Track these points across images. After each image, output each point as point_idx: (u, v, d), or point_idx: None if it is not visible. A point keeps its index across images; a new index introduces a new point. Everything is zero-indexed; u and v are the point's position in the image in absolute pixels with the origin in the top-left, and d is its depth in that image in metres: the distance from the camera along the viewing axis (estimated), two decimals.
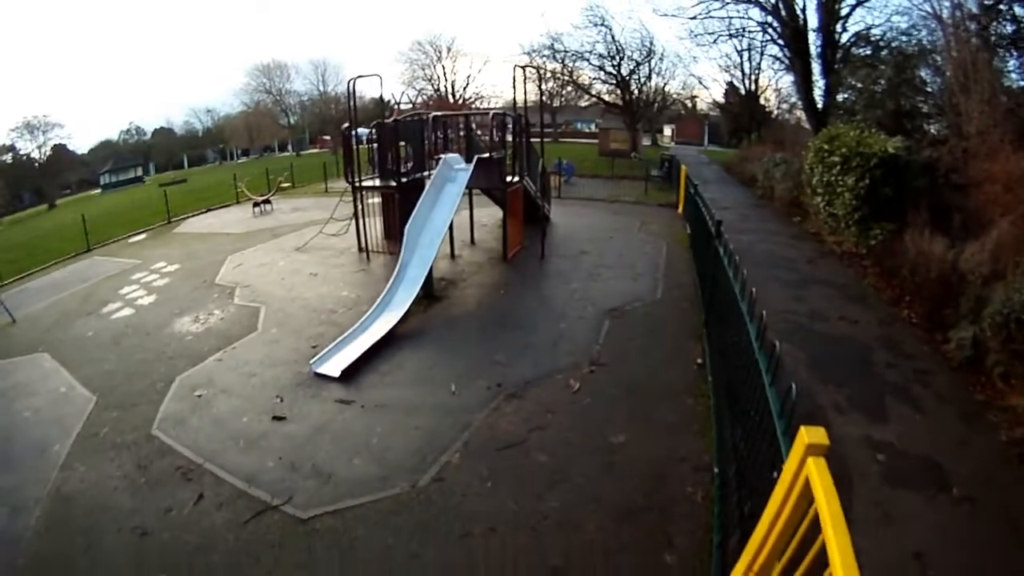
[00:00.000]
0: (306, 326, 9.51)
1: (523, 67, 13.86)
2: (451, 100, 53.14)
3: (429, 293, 10.35)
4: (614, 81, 40.66)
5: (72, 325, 10.61)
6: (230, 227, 19.01)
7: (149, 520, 5.18)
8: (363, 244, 13.81)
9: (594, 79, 42.40)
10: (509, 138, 13.49)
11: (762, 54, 34.44)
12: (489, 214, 16.14)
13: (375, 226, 13.95)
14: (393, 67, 61.58)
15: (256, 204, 21.64)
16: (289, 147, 65.98)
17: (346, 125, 13.80)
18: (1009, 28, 14.11)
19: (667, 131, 59.37)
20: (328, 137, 57.56)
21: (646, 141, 47.44)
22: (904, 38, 19.68)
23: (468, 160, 11.93)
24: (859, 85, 20.59)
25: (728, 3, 26.31)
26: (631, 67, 39.99)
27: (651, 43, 39.46)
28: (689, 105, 52.39)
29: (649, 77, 41.17)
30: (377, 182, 13.65)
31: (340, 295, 10.96)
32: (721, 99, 45.08)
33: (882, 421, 6.18)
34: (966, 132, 12.81)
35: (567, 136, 56.60)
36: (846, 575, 1.85)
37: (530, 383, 7.27)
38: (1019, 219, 9.00)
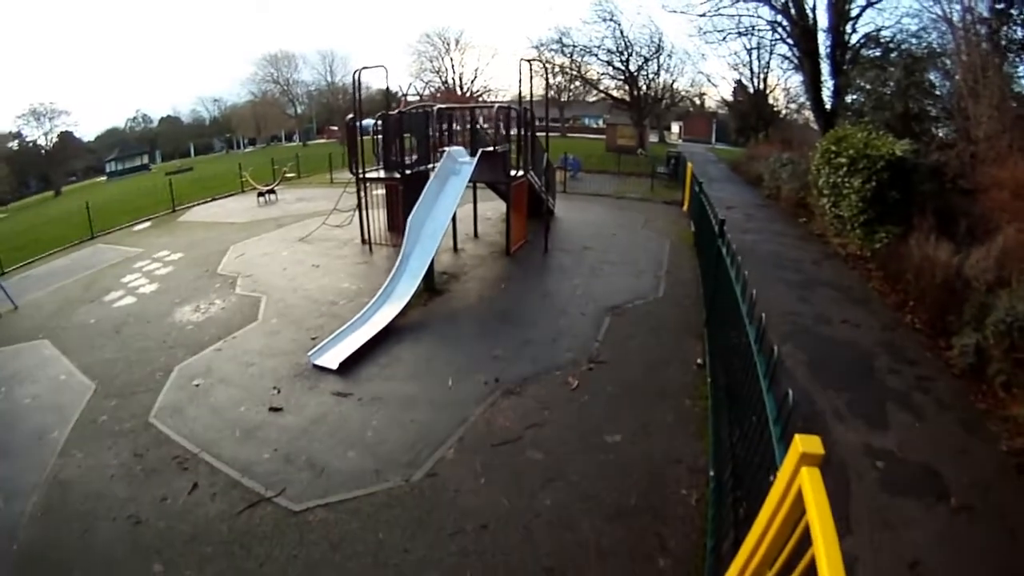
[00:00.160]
0: (306, 317, 9.50)
1: (529, 61, 13.78)
2: (459, 92, 53.05)
3: (430, 286, 10.33)
4: (622, 77, 40.36)
5: (74, 313, 10.63)
6: (234, 216, 19.00)
7: (144, 509, 5.20)
8: (366, 236, 13.78)
9: (602, 74, 42.12)
10: (514, 132, 13.42)
11: (771, 53, 34.16)
12: (493, 207, 16.11)
13: (378, 218, 13.92)
14: (401, 59, 61.59)
15: (261, 194, 21.64)
16: (296, 137, 65.92)
17: (350, 116, 13.76)
18: (1020, 33, 13.92)
19: (675, 128, 59.13)
20: (335, 127, 57.53)
21: (653, 138, 47.25)
22: (914, 40, 19.49)
23: (473, 153, 11.89)
24: (868, 87, 20.41)
25: (738, 1, 26.07)
26: (639, 63, 39.69)
27: (660, 39, 39.09)
28: (697, 102, 52.09)
29: (657, 73, 40.87)
30: (381, 174, 13.61)
31: (341, 286, 10.95)
32: (729, 97, 44.87)
33: (882, 428, 6.13)
34: (974, 137, 12.71)
35: (575, 131, 56.47)
36: None
37: (528, 379, 7.25)
38: None
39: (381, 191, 14.69)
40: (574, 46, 40.17)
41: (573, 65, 42.29)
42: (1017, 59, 14.22)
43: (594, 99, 47.95)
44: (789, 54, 26.98)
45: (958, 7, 14.78)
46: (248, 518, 5.00)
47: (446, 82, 55.70)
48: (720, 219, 7.59)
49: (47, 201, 45.98)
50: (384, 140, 13.47)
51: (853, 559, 4.27)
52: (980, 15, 14.20)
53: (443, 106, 14.76)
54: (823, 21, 22.59)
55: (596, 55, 39.99)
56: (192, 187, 25.55)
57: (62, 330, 9.77)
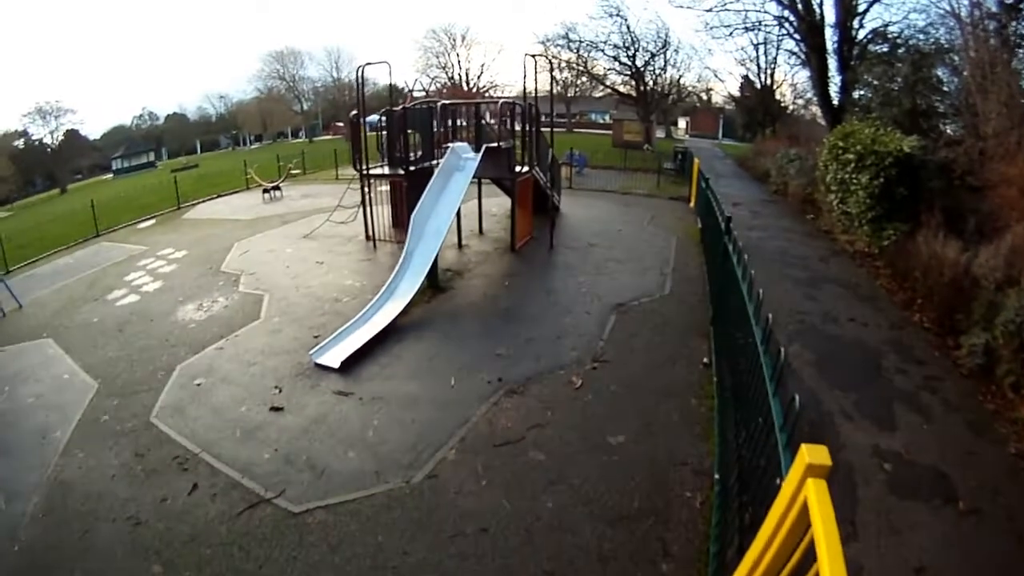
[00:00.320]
0: (309, 315, 9.47)
1: (534, 56, 13.68)
2: (465, 88, 52.91)
3: (434, 283, 10.28)
4: (629, 72, 40.26)
5: (77, 311, 10.65)
6: (239, 213, 18.99)
7: (144, 509, 5.19)
8: (370, 232, 13.74)
9: (609, 70, 42.05)
10: (519, 127, 13.34)
11: (778, 48, 33.97)
12: (498, 203, 16.03)
13: (383, 214, 13.89)
14: (408, 55, 61.42)
15: (266, 190, 21.62)
16: (302, 133, 65.90)
17: (354, 112, 13.70)
18: None
19: (682, 123, 58.84)
20: (341, 123, 57.49)
21: (660, 133, 47.02)
22: (921, 36, 19.26)
23: (477, 149, 11.81)
24: (875, 82, 20.21)
25: None
26: (646, 58, 39.59)
27: (666, 34, 39.03)
28: (704, 98, 51.88)
29: (664, 69, 40.75)
30: (386, 170, 13.56)
31: (345, 284, 10.91)
32: (736, 92, 44.59)
33: (890, 429, 6.04)
34: (983, 133, 12.53)
35: (581, 126, 56.22)
36: None
37: (531, 378, 7.19)
38: None
39: (386, 187, 14.64)
40: (580, 41, 40.21)
41: (580, 60, 42.25)
42: None
43: (601, 94, 47.88)
44: (796, 49, 26.86)
45: (966, 2, 14.60)
46: (248, 519, 4.97)
47: (452, 78, 55.56)
48: (727, 216, 7.50)
49: (53, 199, 46.11)
50: (388, 136, 13.42)
51: (857, 565, 4.20)
52: (988, 10, 14.00)
53: (447, 102, 14.69)
54: (830, 16, 22.41)
55: (603, 50, 40.01)
56: (197, 184, 25.59)
57: (65, 329, 9.78)
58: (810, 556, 2.05)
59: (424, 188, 10.72)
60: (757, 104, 39.71)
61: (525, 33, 78.38)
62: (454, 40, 55.89)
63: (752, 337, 4.20)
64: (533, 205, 14.12)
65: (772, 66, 37.08)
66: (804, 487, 2.13)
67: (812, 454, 2.13)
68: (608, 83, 43.41)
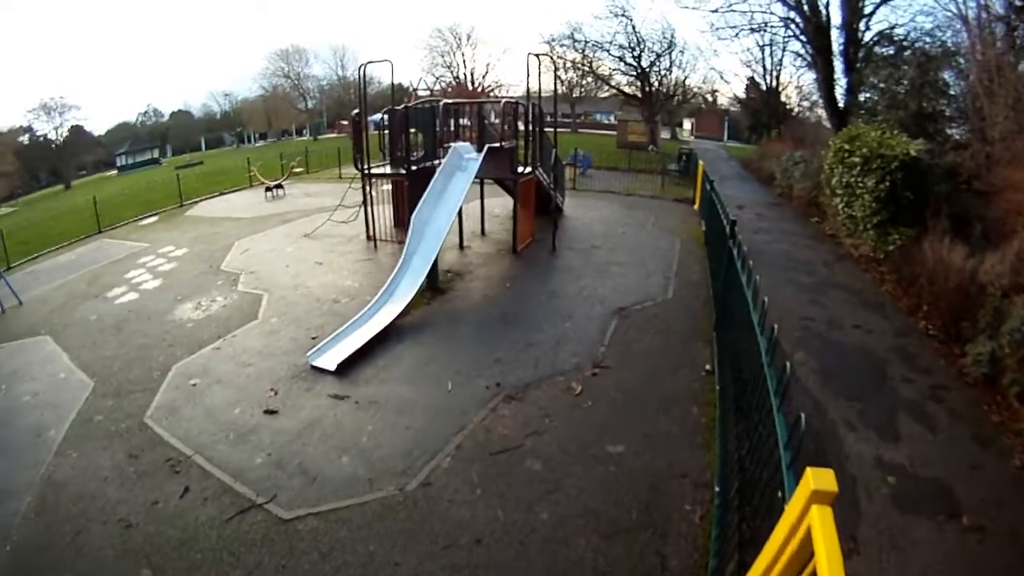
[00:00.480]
0: (307, 316, 9.39)
1: (538, 56, 13.56)
2: (470, 88, 52.83)
3: (434, 285, 10.20)
4: (634, 72, 40.15)
5: (76, 309, 10.60)
6: (241, 211, 18.94)
7: (135, 512, 5.13)
8: (371, 232, 13.66)
9: (614, 70, 41.95)
10: (522, 127, 13.24)
11: (784, 50, 33.83)
12: (502, 204, 15.92)
13: (384, 214, 13.80)
14: (413, 54, 61.34)
15: (268, 189, 21.56)
16: (307, 131, 65.86)
17: (356, 111, 13.62)
18: None
19: (687, 125, 58.69)
20: (346, 121, 57.46)
21: (665, 134, 46.88)
22: (928, 39, 19.13)
23: (480, 149, 11.71)
24: (881, 85, 20.05)
25: None
26: (651, 59, 39.48)
27: (672, 35, 38.92)
28: (709, 99, 51.68)
29: (669, 69, 40.63)
30: (387, 169, 13.48)
31: (344, 284, 10.83)
32: (742, 94, 44.43)
33: (894, 440, 5.93)
34: (990, 137, 12.41)
35: (586, 127, 56.11)
36: None
37: (530, 384, 7.10)
38: None
39: (388, 187, 14.56)
40: (586, 41, 40.12)
41: (585, 60, 42.14)
42: None
43: (606, 95, 47.75)
44: (802, 51, 26.69)
45: (973, 4, 14.48)
46: (238, 525, 4.90)
47: (457, 77, 55.50)
48: (731, 219, 7.39)
49: (57, 195, 46.16)
50: (391, 135, 13.33)
51: None
52: (996, 13, 13.88)
53: (450, 101, 14.60)
54: (836, 18, 22.31)
55: (608, 51, 39.93)
56: (201, 181, 25.50)
57: (64, 326, 9.74)
58: None
59: (425, 188, 10.64)
60: (762, 106, 39.59)
61: (531, 33, 78.33)
62: (459, 39, 55.89)
63: (756, 346, 4.08)
64: (536, 206, 14.02)
65: (778, 68, 37.01)
66: (808, 514, 2.03)
67: (818, 479, 2.02)
68: (613, 83, 43.33)
